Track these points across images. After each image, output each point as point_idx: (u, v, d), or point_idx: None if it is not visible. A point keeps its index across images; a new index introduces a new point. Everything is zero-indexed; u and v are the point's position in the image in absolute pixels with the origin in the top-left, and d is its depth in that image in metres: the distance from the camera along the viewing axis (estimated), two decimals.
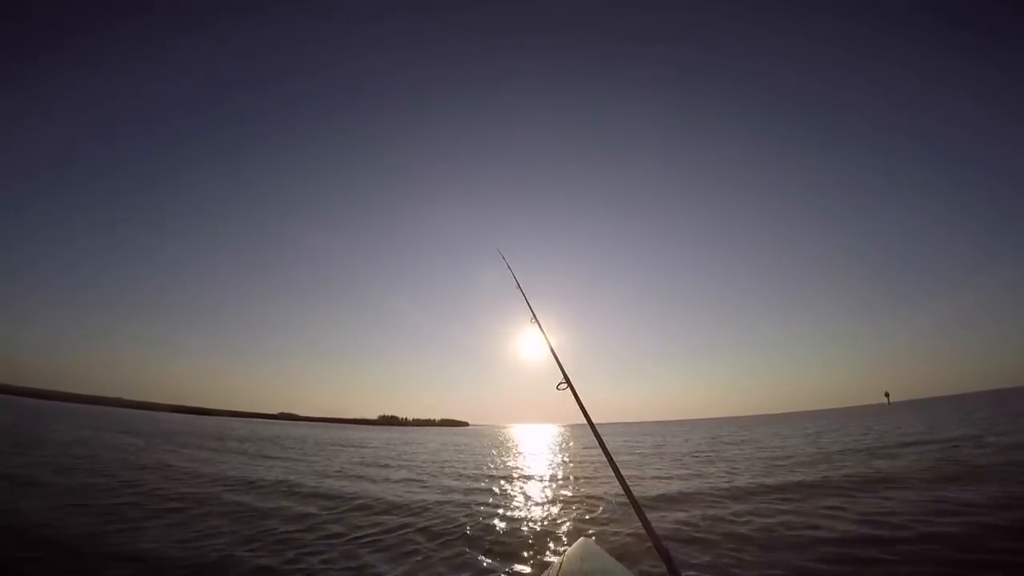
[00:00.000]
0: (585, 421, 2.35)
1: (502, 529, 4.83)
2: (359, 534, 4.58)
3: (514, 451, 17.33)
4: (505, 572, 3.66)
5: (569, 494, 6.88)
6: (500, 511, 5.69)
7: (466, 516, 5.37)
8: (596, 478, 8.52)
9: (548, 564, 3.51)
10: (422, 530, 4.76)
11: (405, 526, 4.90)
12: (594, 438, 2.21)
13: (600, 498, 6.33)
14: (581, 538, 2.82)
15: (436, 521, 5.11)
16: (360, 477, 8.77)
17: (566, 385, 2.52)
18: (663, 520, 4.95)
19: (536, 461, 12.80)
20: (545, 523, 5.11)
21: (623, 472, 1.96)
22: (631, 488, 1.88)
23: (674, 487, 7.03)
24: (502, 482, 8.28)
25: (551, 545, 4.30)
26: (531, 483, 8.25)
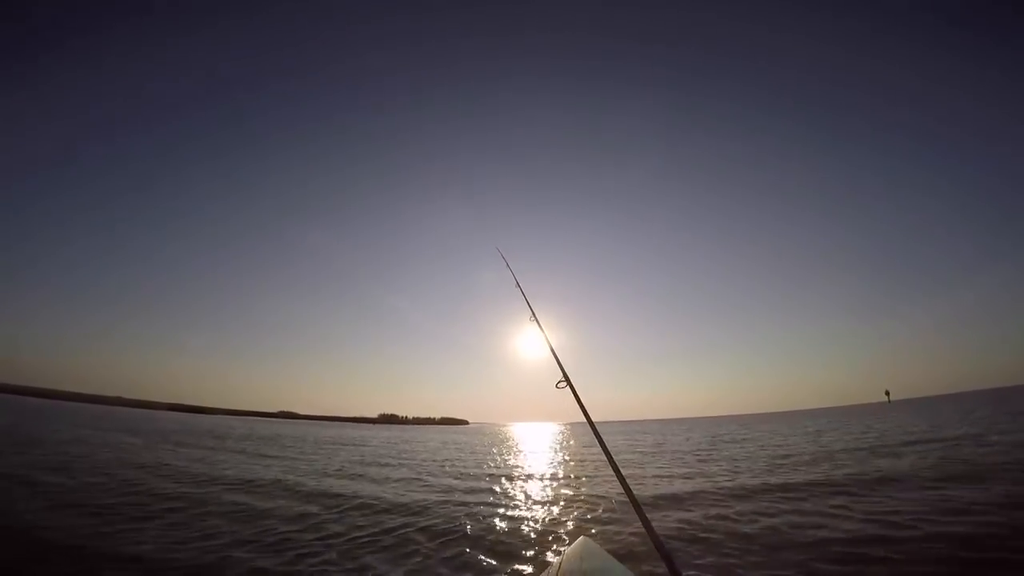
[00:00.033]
0: (584, 419, 2.33)
1: (502, 528, 4.79)
2: (359, 534, 4.54)
3: (514, 449, 17.31)
4: (505, 572, 3.64)
5: (569, 493, 6.84)
6: (500, 510, 5.65)
7: (466, 515, 5.33)
8: (596, 477, 8.48)
9: (548, 564, 3.49)
10: (422, 530, 4.72)
11: (405, 526, 4.86)
12: (594, 437, 2.19)
13: (601, 497, 6.29)
14: (581, 537, 2.82)
15: (436, 521, 5.07)
16: (360, 476, 8.73)
17: (565, 384, 2.50)
18: (665, 519, 4.91)
19: (536, 460, 12.77)
20: (545, 522, 5.07)
21: (624, 471, 1.95)
22: (631, 487, 1.87)
23: (675, 486, 7.00)
24: (502, 481, 8.24)
25: (551, 544, 4.26)
26: (531, 482, 8.21)
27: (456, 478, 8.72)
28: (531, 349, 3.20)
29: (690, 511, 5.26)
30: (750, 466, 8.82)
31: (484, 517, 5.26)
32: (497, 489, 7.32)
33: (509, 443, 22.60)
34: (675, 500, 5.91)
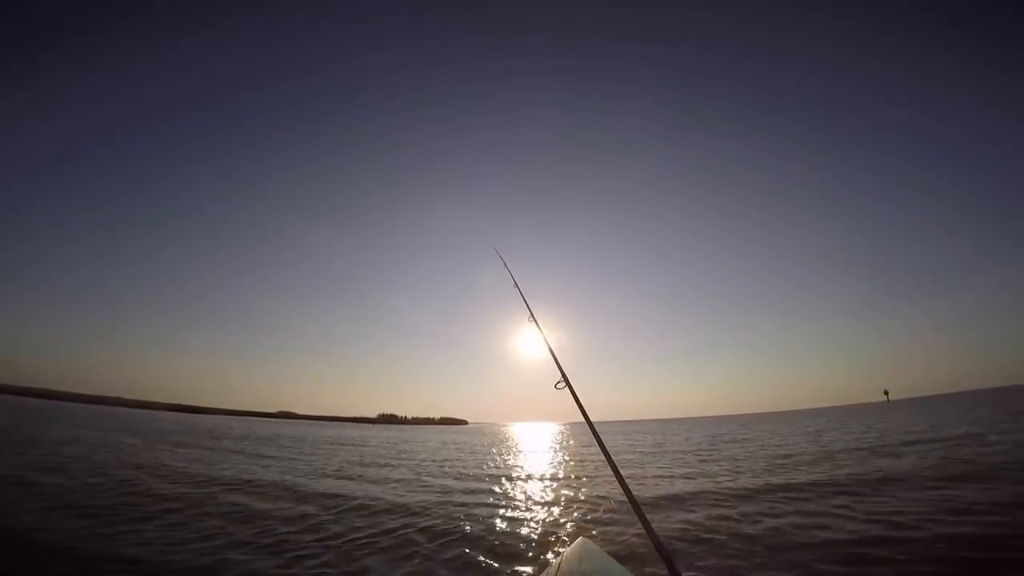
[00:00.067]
0: (583, 419, 2.33)
1: (502, 529, 4.75)
2: (358, 535, 4.50)
3: (513, 450, 17.28)
4: (505, 573, 3.61)
5: (569, 494, 6.81)
6: (500, 511, 5.61)
7: (466, 516, 5.30)
8: (596, 477, 8.44)
9: (547, 564, 3.48)
10: (422, 531, 4.68)
11: (405, 526, 4.83)
12: (593, 436, 2.19)
13: (601, 498, 6.25)
14: (580, 538, 2.81)
15: (436, 521, 5.03)
16: (359, 476, 8.70)
17: (564, 385, 2.50)
18: (667, 520, 4.87)
19: (535, 460, 12.73)
20: (545, 523, 5.03)
21: (624, 471, 1.95)
22: (631, 488, 1.85)
23: (676, 486, 6.97)
24: (502, 481, 8.21)
25: (551, 546, 4.23)
26: (531, 482, 8.18)
27: (455, 478, 8.69)
28: (530, 349, 3.20)
29: (692, 512, 5.22)
30: (751, 466, 8.79)
31: (484, 518, 5.23)
32: (497, 490, 7.29)
33: (508, 443, 22.57)
34: (677, 501, 5.87)
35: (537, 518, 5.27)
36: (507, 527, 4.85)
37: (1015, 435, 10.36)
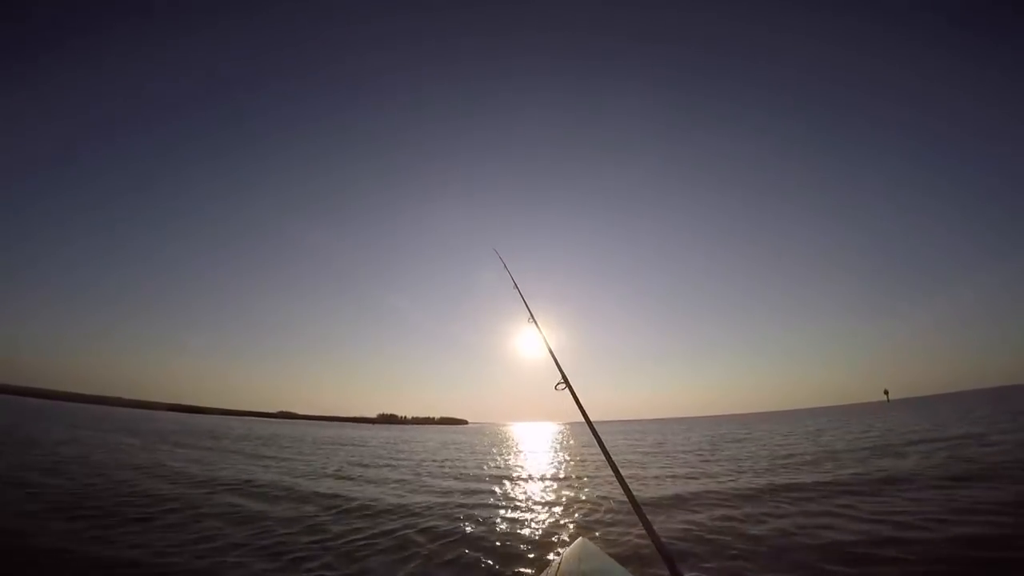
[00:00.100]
0: (583, 419, 2.32)
1: (502, 530, 4.72)
2: (357, 536, 4.46)
3: (514, 450, 17.25)
4: (505, 574, 3.58)
5: (570, 494, 6.77)
6: (500, 512, 5.58)
7: (466, 517, 5.26)
8: (597, 477, 8.41)
9: (547, 565, 3.46)
10: (423, 531, 4.65)
11: (405, 527, 4.79)
12: (593, 436, 2.18)
13: (602, 498, 6.22)
14: (579, 538, 2.81)
15: (436, 522, 5.00)
16: (359, 477, 8.66)
17: (564, 385, 2.49)
18: (668, 521, 4.83)
19: (536, 460, 12.70)
20: (546, 524, 4.99)
21: (624, 472, 1.93)
22: (632, 488, 1.83)
23: (678, 487, 6.93)
24: (502, 481, 8.17)
25: (552, 546, 4.20)
26: (531, 483, 8.14)
27: (456, 479, 8.65)
28: (530, 349, 3.20)
29: (694, 512, 5.18)
30: (752, 466, 8.76)
31: (484, 519, 5.19)
32: (497, 490, 7.25)
33: (509, 443, 22.54)
34: (679, 501, 5.83)
35: (538, 519, 5.24)
36: (508, 528, 4.81)
37: (1017, 435, 10.34)
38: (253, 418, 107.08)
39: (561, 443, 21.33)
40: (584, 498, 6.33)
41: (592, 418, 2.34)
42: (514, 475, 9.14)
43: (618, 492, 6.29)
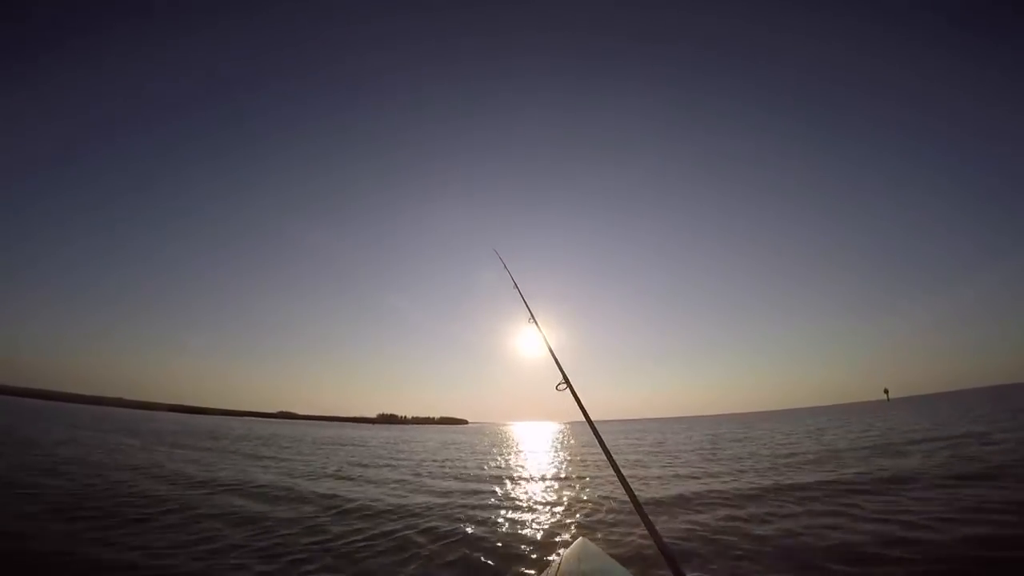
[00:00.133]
0: (585, 420, 2.31)
1: (503, 531, 4.69)
2: (357, 537, 4.42)
3: (514, 449, 17.22)
4: (505, 574, 3.55)
5: (571, 494, 6.74)
6: (501, 512, 5.54)
7: (467, 517, 5.22)
8: (598, 477, 8.38)
9: (547, 565, 3.43)
10: (423, 532, 4.61)
11: (405, 528, 4.75)
12: (594, 436, 2.17)
13: (604, 498, 6.18)
14: (580, 538, 2.80)
15: (436, 523, 4.96)
16: (359, 477, 8.62)
17: (565, 386, 2.48)
18: (672, 522, 4.80)
19: (536, 460, 12.67)
20: (547, 525, 4.96)
21: (625, 471, 1.91)
22: (634, 488, 1.81)
23: (680, 487, 6.90)
24: (503, 482, 8.14)
25: (553, 547, 4.16)
26: (532, 483, 8.11)
27: (456, 479, 8.62)
28: (530, 348, 3.19)
29: (698, 513, 5.15)
30: (754, 465, 8.73)
31: (485, 519, 5.15)
32: (497, 490, 7.22)
33: (509, 443, 22.51)
34: (681, 501, 5.79)
35: (539, 519, 5.20)
36: (509, 529, 4.78)
37: (1019, 433, 10.32)
38: (253, 418, 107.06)
39: (562, 443, 21.31)
40: (585, 498, 6.29)
41: (592, 418, 2.32)
42: (515, 475, 9.11)
43: (620, 492, 6.26)
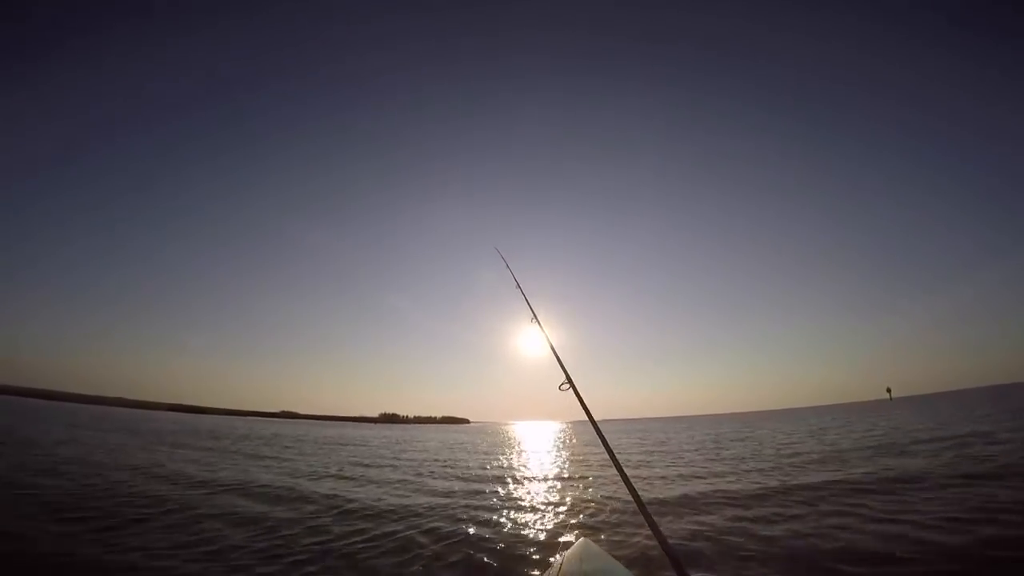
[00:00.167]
0: (587, 418, 2.32)
1: (506, 532, 4.65)
2: (359, 538, 4.38)
3: (516, 449, 17.19)
4: (506, 574, 3.53)
5: (574, 494, 6.70)
6: (503, 512, 5.50)
7: (469, 518, 5.19)
8: (600, 477, 8.33)
9: (548, 565, 3.41)
10: (426, 532, 4.57)
11: (408, 528, 4.71)
12: (596, 435, 2.17)
13: (606, 498, 6.14)
14: (581, 538, 2.79)
15: (439, 523, 4.92)
16: (360, 477, 8.59)
17: (568, 386, 2.48)
18: (677, 522, 4.75)
19: (538, 459, 12.64)
20: (550, 525, 4.92)
21: (629, 471, 1.90)
22: (638, 488, 1.79)
23: (684, 487, 6.85)
24: (505, 481, 8.11)
25: (555, 547, 4.13)
26: (534, 483, 8.07)
27: (458, 479, 8.58)
28: (532, 348, 3.18)
29: (703, 513, 5.09)
30: (758, 465, 8.67)
31: (487, 520, 5.11)
32: (500, 490, 7.18)
33: (511, 442, 22.49)
34: (686, 501, 5.74)
35: (542, 520, 5.16)
36: (511, 529, 4.74)
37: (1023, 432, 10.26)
38: (255, 418, 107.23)
39: (564, 442, 21.27)
40: (588, 498, 6.25)
41: (596, 421, 2.31)
42: (517, 475, 9.07)
43: (623, 492, 6.21)
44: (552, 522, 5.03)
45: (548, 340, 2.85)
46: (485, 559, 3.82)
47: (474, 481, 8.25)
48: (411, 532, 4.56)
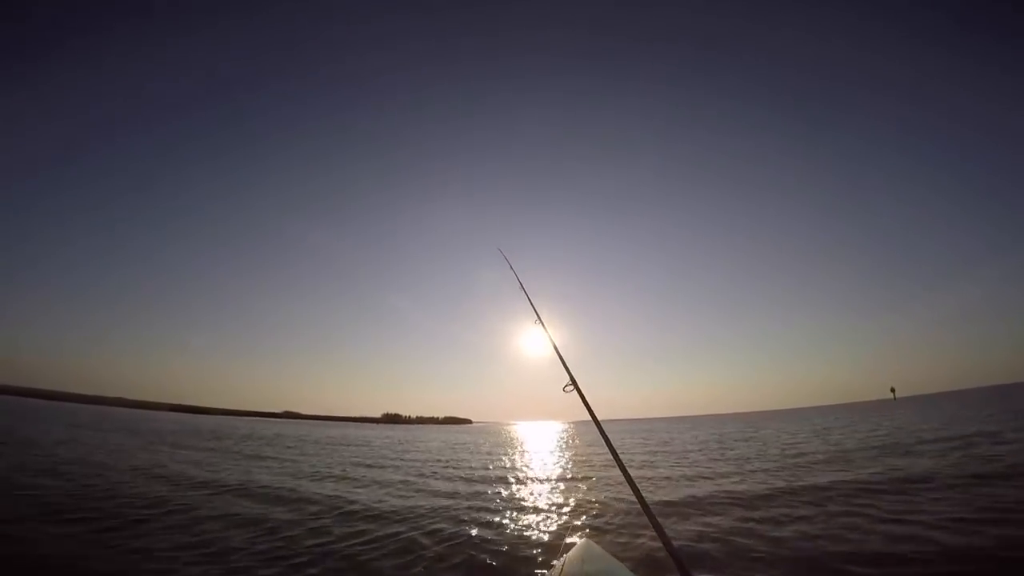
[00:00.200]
0: (590, 419, 2.31)
1: (509, 532, 4.61)
2: (361, 539, 4.35)
3: (519, 449, 17.14)
4: (507, 575, 3.50)
5: (577, 495, 6.65)
6: (505, 513, 5.46)
7: (471, 519, 5.15)
8: (604, 478, 8.28)
9: (550, 566, 3.38)
10: (428, 534, 4.54)
11: (410, 529, 4.68)
12: (599, 436, 2.17)
13: (611, 499, 6.09)
14: (583, 539, 2.78)
15: (441, 524, 4.88)
16: (363, 477, 8.55)
17: (572, 388, 2.47)
18: (682, 524, 4.70)
19: (541, 460, 12.59)
20: (553, 526, 4.88)
21: (632, 472, 1.86)
22: (641, 489, 1.77)
23: (689, 488, 6.79)
24: (507, 482, 8.06)
25: (558, 548, 4.08)
26: (537, 484, 8.03)
27: (461, 480, 8.54)
28: (534, 348, 3.18)
29: (709, 514, 5.04)
30: (763, 465, 8.61)
31: (489, 521, 5.07)
32: (503, 491, 7.13)
33: (513, 443, 22.44)
34: (692, 502, 5.69)
35: (545, 521, 5.11)
36: (513, 531, 4.69)
37: None
38: (257, 418, 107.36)
39: (567, 443, 21.22)
40: (592, 499, 6.20)
41: (599, 421, 2.28)
42: (520, 476, 9.03)
43: (627, 493, 6.16)
44: (555, 523, 4.98)
45: (552, 342, 2.84)
46: (487, 560, 3.79)
47: (477, 482, 8.20)
48: (413, 533, 4.52)
